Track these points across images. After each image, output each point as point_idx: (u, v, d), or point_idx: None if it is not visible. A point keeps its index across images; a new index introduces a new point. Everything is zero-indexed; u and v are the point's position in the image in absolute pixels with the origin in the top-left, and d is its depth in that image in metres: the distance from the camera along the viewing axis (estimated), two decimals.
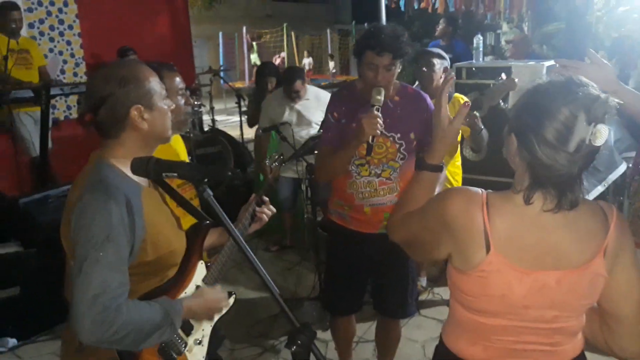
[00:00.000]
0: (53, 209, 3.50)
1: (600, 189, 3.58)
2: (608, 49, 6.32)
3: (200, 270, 1.59)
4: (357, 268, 2.46)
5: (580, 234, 1.18)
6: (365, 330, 3.18)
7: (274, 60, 17.94)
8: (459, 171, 3.25)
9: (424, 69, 3.06)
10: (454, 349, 1.33)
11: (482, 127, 2.74)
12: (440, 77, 3.08)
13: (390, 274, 2.46)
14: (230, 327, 3.32)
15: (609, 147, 3.71)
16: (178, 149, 2.07)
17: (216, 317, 1.63)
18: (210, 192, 1.11)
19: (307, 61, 19.12)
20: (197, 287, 1.56)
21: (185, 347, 1.51)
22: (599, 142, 1.07)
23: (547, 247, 1.18)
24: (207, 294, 1.54)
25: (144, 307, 1.30)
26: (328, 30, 20.40)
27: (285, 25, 19.56)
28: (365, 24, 18.87)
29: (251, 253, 1.10)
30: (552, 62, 3.04)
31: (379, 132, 2.06)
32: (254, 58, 18.57)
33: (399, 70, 2.22)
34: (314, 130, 4.09)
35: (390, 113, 2.18)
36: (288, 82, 4.06)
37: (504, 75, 2.49)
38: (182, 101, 1.93)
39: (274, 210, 1.87)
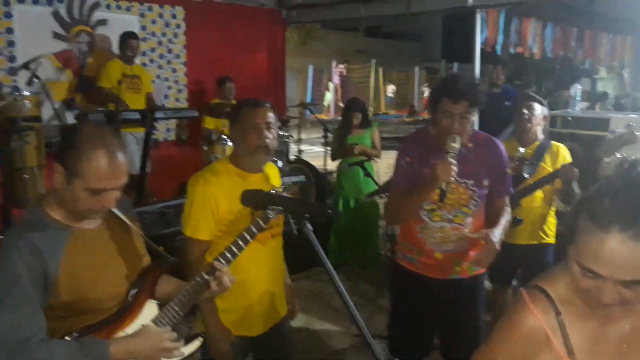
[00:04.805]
0: (147, 224, 3.73)
1: None
2: None
3: (150, 310, 1.56)
4: (425, 314, 2.42)
5: None
6: None
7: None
8: (554, 221, 3.14)
9: (524, 111, 3.02)
10: None
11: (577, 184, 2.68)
12: (539, 125, 3.02)
13: (459, 320, 2.40)
14: (301, 357, 3.35)
15: None
16: (271, 176, 2.18)
17: None
18: (310, 227, 1.18)
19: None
20: (144, 326, 1.53)
21: None
22: None
23: None
24: (150, 333, 1.49)
25: (60, 347, 1.33)
26: (416, 68, 20.46)
27: (374, 61, 19.86)
28: (455, 64, 18.81)
29: (343, 289, 1.14)
30: None
31: (453, 179, 2.06)
32: (328, 99, 18.95)
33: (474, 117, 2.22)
34: None
35: (463, 159, 2.17)
36: None
37: (622, 128, 2.42)
38: (267, 134, 2.00)
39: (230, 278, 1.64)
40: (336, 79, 18.68)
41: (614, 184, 1.00)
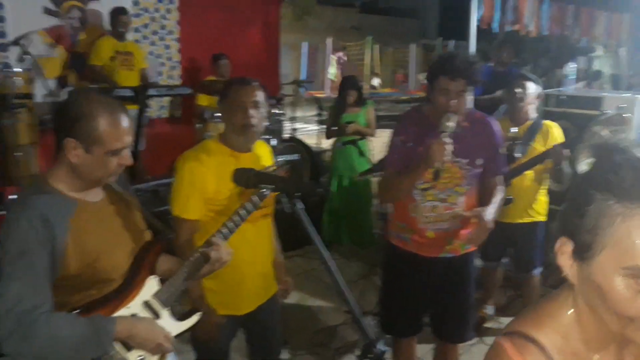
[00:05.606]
0: (141, 202, 3.72)
1: None
2: None
3: (151, 285, 1.59)
4: (416, 291, 2.45)
5: None
6: (424, 353, 3.15)
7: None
8: (545, 199, 3.17)
9: (517, 90, 3.01)
10: None
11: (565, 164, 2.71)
12: (531, 104, 3.02)
13: (450, 298, 2.44)
14: (293, 333, 3.40)
15: None
16: (262, 156, 2.17)
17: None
18: (302, 205, 1.19)
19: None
20: (145, 302, 1.57)
21: None
22: None
23: None
24: (154, 325, 1.54)
25: (70, 322, 1.35)
26: (413, 46, 20.30)
27: (370, 38, 19.66)
28: (453, 41, 18.63)
29: (333, 266, 1.16)
30: None
31: (447, 158, 2.07)
32: (332, 74, 18.81)
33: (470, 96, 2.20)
34: None
35: (458, 138, 2.16)
36: None
37: (610, 110, 2.43)
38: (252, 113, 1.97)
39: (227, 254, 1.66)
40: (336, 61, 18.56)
41: (616, 160, 0.79)
